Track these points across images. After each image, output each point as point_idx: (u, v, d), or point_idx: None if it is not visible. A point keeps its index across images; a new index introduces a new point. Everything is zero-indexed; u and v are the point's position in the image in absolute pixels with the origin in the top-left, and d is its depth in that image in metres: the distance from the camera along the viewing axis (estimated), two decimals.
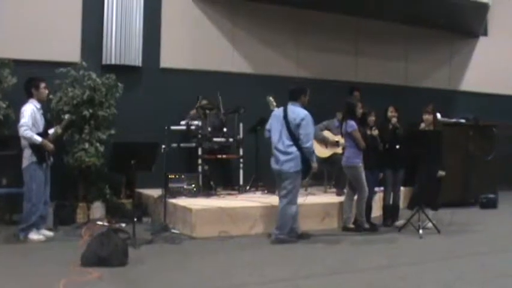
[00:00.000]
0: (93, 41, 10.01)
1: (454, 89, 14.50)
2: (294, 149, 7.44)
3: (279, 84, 10.74)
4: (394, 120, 8.89)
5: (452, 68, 14.52)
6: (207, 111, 9.52)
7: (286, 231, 7.55)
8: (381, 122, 8.96)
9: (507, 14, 15.31)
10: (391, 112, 9.06)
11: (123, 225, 8.14)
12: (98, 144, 8.90)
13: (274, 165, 7.66)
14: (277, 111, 7.77)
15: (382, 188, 9.17)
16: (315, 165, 7.63)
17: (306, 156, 7.44)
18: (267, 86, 10.81)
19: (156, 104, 10.31)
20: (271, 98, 8.29)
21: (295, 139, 7.44)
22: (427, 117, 8.79)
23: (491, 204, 11.41)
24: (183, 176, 9.12)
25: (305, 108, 7.63)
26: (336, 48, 12.50)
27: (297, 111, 7.50)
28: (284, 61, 11.95)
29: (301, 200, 7.98)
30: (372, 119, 8.77)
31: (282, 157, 7.49)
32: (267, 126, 7.86)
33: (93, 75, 9.02)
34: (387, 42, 13.28)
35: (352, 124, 8.26)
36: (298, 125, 7.40)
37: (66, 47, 9.69)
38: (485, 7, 13.04)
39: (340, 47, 12.57)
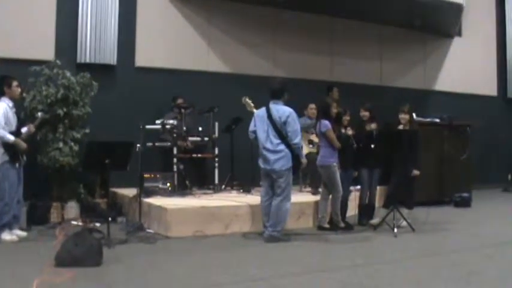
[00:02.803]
0: (67, 39, 9.95)
1: (429, 88, 14.71)
2: (283, 147, 7.52)
3: (255, 84, 10.90)
4: (373, 126, 8.93)
5: (426, 68, 14.72)
6: (183, 111, 9.51)
7: (281, 228, 7.62)
8: (356, 122, 9.01)
9: (481, 14, 15.58)
10: (361, 112, 9.17)
11: (98, 225, 8.11)
12: (72, 144, 8.86)
13: (263, 165, 7.71)
14: (260, 112, 7.78)
15: (358, 187, 9.22)
16: (304, 160, 7.86)
17: (295, 152, 7.54)
18: (243, 86, 10.98)
19: (131, 103, 10.29)
20: (247, 99, 8.33)
21: (283, 137, 7.53)
22: (403, 116, 8.83)
23: (465, 203, 11.56)
24: (158, 176, 9.14)
25: (287, 105, 7.70)
26: (311, 47, 12.57)
27: (282, 110, 7.57)
28: (260, 60, 11.98)
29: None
30: (346, 118, 8.79)
31: (272, 156, 7.55)
32: (251, 128, 7.87)
33: (68, 74, 8.96)
34: (362, 42, 13.40)
35: (326, 124, 8.29)
36: (285, 123, 7.47)
37: (40, 45, 9.63)
38: (459, 8, 13.19)
39: (315, 46, 12.64)
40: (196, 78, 11.04)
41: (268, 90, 7.75)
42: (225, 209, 8.23)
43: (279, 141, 7.53)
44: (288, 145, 7.51)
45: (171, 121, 9.29)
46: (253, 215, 8.25)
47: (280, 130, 7.53)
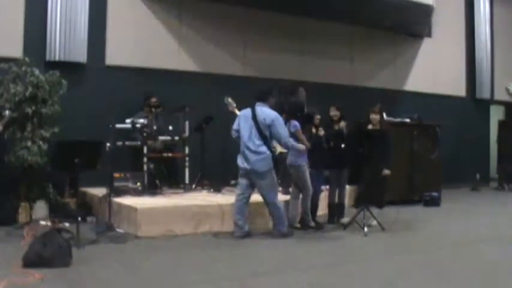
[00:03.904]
0: (36, 36, 9.80)
1: (399, 89, 14.83)
2: (264, 148, 7.73)
3: (226, 83, 11.08)
4: (342, 124, 8.99)
5: (397, 68, 14.85)
6: (153, 110, 9.52)
7: (285, 224, 7.94)
8: (326, 122, 9.05)
9: (451, 15, 15.80)
10: (332, 111, 9.20)
11: (67, 225, 8.02)
12: (41, 143, 8.73)
13: (242, 164, 7.86)
14: (245, 112, 7.98)
15: (327, 187, 9.27)
16: (302, 147, 8.11)
17: (275, 154, 7.85)
18: (214, 85, 11.08)
19: (101, 101, 10.11)
20: (230, 99, 8.56)
21: (265, 139, 7.75)
22: (374, 116, 8.92)
23: (434, 202, 11.71)
24: (128, 175, 9.11)
25: (273, 109, 7.90)
26: (281, 47, 12.57)
27: (267, 112, 7.79)
28: (231, 60, 11.97)
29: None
30: (317, 117, 8.82)
31: (253, 157, 7.73)
32: (235, 126, 8.04)
33: (36, 72, 8.79)
34: (333, 42, 13.47)
35: (295, 124, 8.33)
36: (269, 126, 7.70)
37: (7, 42, 9.47)
38: (429, 8, 13.34)
39: (286, 46, 12.65)
40: (167, 77, 10.98)
41: (255, 92, 8.02)
42: (195, 208, 8.21)
43: (260, 142, 7.74)
44: (269, 147, 7.75)
45: (141, 120, 9.25)
46: (223, 214, 8.25)
47: (263, 132, 7.74)
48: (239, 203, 7.90)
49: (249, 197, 7.96)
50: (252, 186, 7.93)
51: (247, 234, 7.84)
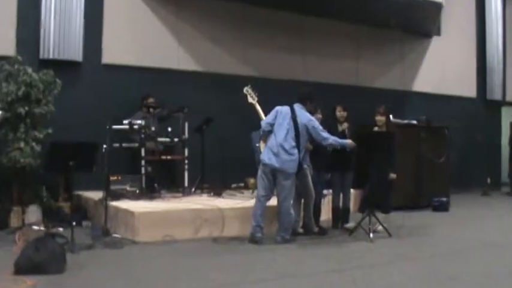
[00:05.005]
0: (29, 33, 9.78)
1: (406, 89, 14.78)
2: (296, 151, 7.83)
3: (226, 83, 11.07)
4: (345, 125, 8.91)
5: (404, 68, 14.80)
6: (151, 110, 9.50)
7: (290, 231, 8.00)
8: (328, 123, 8.90)
9: (461, 13, 15.76)
10: (339, 112, 9.06)
11: (61, 229, 7.97)
12: (34, 144, 8.70)
13: (270, 161, 7.83)
14: (284, 109, 8.00)
15: (330, 191, 9.19)
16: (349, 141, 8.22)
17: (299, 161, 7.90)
18: (214, 84, 11.09)
19: (97, 101, 10.13)
20: (249, 89, 8.58)
21: (298, 142, 7.86)
22: (380, 118, 8.92)
23: (443, 208, 11.66)
24: (125, 178, 9.10)
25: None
26: (284, 46, 12.54)
27: (306, 116, 7.97)
28: (231, 59, 11.92)
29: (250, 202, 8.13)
30: (318, 116, 8.62)
31: (286, 156, 7.80)
32: (269, 119, 8.04)
33: (29, 70, 8.74)
34: (338, 41, 13.44)
35: None
36: (307, 129, 7.89)
37: None
38: (438, 6, 13.32)
39: (288, 45, 12.61)
40: (166, 76, 10.95)
41: (297, 93, 8.16)
42: (195, 212, 8.18)
43: (294, 144, 7.83)
44: (299, 151, 7.86)
45: (138, 121, 9.22)
46: (223, 219, 8.24)
47: (299, 134, 7.87)
48: (262, 204, 7.95)
49: (270, 199, 8.03)
50: (272, 188, 7.97)
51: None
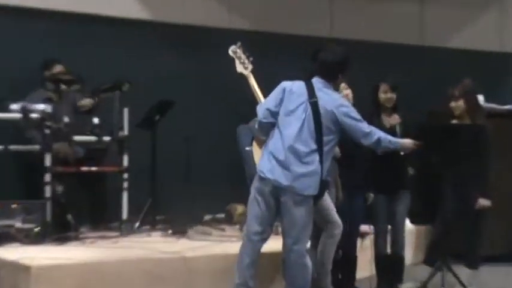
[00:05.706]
0: None
1: (507, 51, 11.34)
2: (316, 157, 5.56)
3: (197, 40, 8.82)
4: (395, 118, 6.84)
5: (502, 15, 11.32)
6: (63, 87, 7.31)
7: None
8: (369, 112, 6.52)
9: None
10: (384, 93, 6.74)
11: None
12: None
13: (275, 176, 5.64)
14: (294, 87, 5.79)
15: (372, 227, 6.97)
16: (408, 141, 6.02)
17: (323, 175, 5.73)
18: (173, 43, 8.76)
19: None
20: (238, 50, 6.25)
21: (320, 143, 5.61)
22: (457, 104, 6.92)
23: None
24: (14, 206, 6.99)
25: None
26: None
27: (334, 98, 5.76)
28: (204, 2, 9.26)
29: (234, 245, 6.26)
30: (346, 93, 6.35)
31: (299, 167, 5.59)
32: (270, 104, 5.79)
33: None
34: None
35: None
36: (337, 121, 5.65)
37: None
38: None
39: None
40: (88, 28, 8.27)
41: (318, 60, 5.81)
42: (141, 266, 6.15)
43: (314, 147, 5.58)
44: (322, 158, 5.61)
45: (41, 106, 6.93)
46: (190, 276, 6.17)
47: (321, 130, 5.63)
48: (253, 247, 5.79)
49: (268, 238, 5.80)
50: (273, 220, 5.84)
51: None
